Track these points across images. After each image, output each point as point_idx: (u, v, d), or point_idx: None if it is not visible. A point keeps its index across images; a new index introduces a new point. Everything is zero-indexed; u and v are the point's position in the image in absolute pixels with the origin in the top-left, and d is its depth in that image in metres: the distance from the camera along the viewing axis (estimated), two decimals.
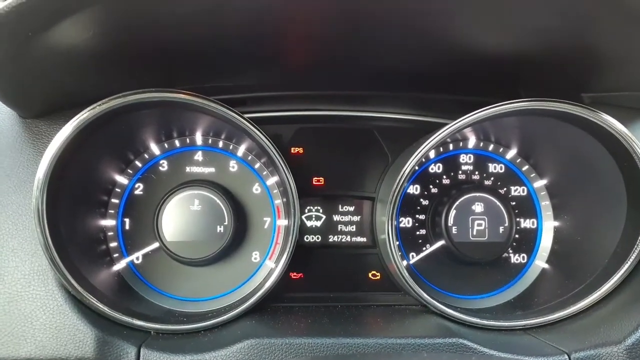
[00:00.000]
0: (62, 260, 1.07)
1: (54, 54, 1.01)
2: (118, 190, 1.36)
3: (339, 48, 1.12)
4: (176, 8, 0.88)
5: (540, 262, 1.46)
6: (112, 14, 0.89)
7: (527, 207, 1.48)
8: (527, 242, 1.47)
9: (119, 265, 1.34)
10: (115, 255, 1.35)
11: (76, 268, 1.12)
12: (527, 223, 1.48)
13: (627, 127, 1.18)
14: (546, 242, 1.46)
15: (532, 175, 1.48)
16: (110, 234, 1.35)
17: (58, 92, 1.18)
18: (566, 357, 1.06)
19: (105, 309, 1.11)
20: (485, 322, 1.23)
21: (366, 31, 1.02)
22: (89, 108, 1.08)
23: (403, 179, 1.25)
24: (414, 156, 1.23)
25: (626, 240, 1.21)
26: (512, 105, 1.18)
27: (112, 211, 1.36)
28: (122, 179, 1.36)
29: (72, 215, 1.19)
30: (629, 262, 1.18)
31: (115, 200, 1.36)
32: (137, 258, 1.36)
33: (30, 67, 1.03)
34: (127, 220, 1.36)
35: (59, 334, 1.05)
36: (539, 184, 1.47)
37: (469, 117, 1.20)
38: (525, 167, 1.48)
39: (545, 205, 1.47)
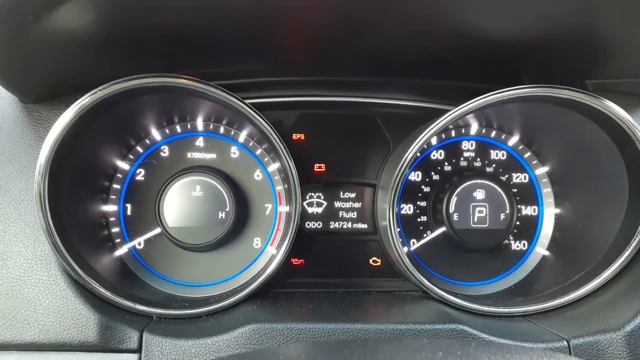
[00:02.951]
0: (64, 245, 1.07)
1: (54, 38, 1.00)
2: (119, 175, 1.36)
3: (342, 34, 1.11)
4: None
5: (541, 249, 1.46)
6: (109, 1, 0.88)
7: (529, 194, 1.47)
8: (528, 229, 1.47)
9: (121, 251, 1.35)
10: (117, 240, 1.35)
11: (78, 253, 1.12)
12: (528, 210, 1.47)
13: (630, 114, 1.17)
14: (547, 229, 1.46)
15: (534, 163, 1.47)
16: (112, 219, 1.35)
17: (58, 76, 1.18)
18: (565, 343, 1.07)
19: (108, 293, 1.11)
20: (485, 308, 1.24)
21: (370, 16, 1.01)
22: (89, 93, 1.07)
23: (405, 166, 1.25)
24: (415, 143, 1.23)
25: (627, 227, 1.21)
26: (515, 91, 1.17)
27: (114, 197, 1.36)
28: (123, 165, 1.36)
29: (73, 200, 1.19)
30: (630, 250, 1.18)
31: (116, 186, 1.36)
32: (139, 243, 1.36)
33: (31, 51, 1.02)
34: (128, 205, 1.37)
35: (62, 318, 1.06)
36: (541, 171, 1.47)
37: (471, 103, 1.19)
38: (527, 154, 1.47)
39: (546, 192, 1.47)
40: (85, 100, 1.07)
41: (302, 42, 1.18)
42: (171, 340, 1.07)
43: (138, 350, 1.07)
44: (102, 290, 1.11)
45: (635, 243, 1.18)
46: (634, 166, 1.19)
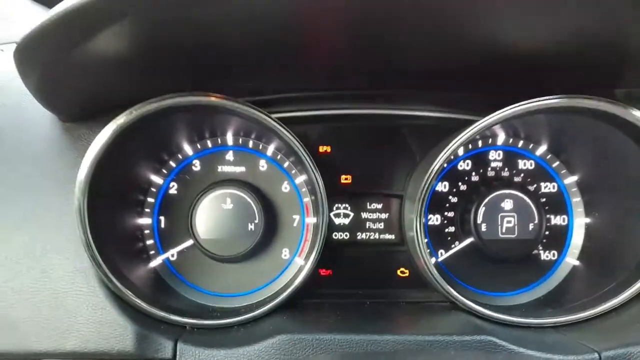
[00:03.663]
0: (102, 258, 1.12)
1: (92, 61, 1.05)
2: (153, 189, 1.41)
3: (369, 51, 1.14)
4: (206, 17, 0.91)
5: (572, 260, 1.45)
6: (145, 24, 0.93)
7: (558, 203, 1.46)
8: (558, 239, 1.46)
9: (155, 262, 1.40)
10: (152, 252, 1.41)
11: (115, 265, 1.18)
12: (557, 220, 1.46)
13: None
14: (577, 239, 1.45)
15: (562, 172, 1.46)
16: (146, 232, 1.41)
17: (95, 96, 1.24)
18: (597, 355, 1.06)
19: (143, 304, 1.16)
20: (514, 319, 1.24)
21: (397, 35, 1.03)
22: (125, 112, 1.13)
23: (432, 176, 1.26)
24: (443, 153, 1.24)
25: None
26: (544, 102, 1.18)
27: (148, 210, 1.41)
28: (157, 179, 1.41)
29: (110, 214, 1.25)
30: None
31: (151, 200, 1.41)
32: (172, 255, 1.41)
33: (70, 74, 1.09)
34: (162, 218, 1.42)
35: (101, 328, 1.11)
36: (570, 180, 1.46)
37: (500, 113, 1.20)
38: (556, 164, 1.46)
39: (576, 201, 1.46)
40: (121, 120, 1.13)
41: (329, 60, 1.21)
42: (204, 350, 1.11)
43: (172, 359, 1.11)
44: (138, 301, 1.16)
45: None
46: None
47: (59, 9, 0.88)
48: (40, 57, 0.99)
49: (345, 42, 1.14)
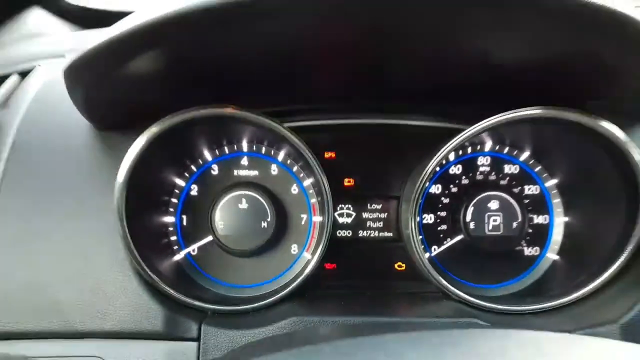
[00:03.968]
0: (137, 251, 1.28)
1: (129, 79, 1.22)
2: (177, 191, 1.57)
3: (371, 73, 1.31)
4: (230, 49, 1.08)
5: (552, 255, 1.60)
6: (177, 52, 1.09)
7: (540, 204, 1.61)
8: (540, 236, 1.61)
9: (179, 256, 1.55)
10: (175, 247, 1.56)
11: (146, 257, 1.32)
12: (539, 219, 1.61)
13: (627, 133, 1.31)
14: (557, 236, 1.60)
15: (544, 175, 1.61)
16: (170, 229, 1.56)
17: (128, 108, 1.39)
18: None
19: (171, 291, 1.32)
20: (498, 306, 1.39)
21: (395, 60, 1.20)
22: (157, 123, 1.29)
23: (425, 179, 1.41)
24: (434, 158, 1.40)
25: (624, 233, 1.34)
26: (524, 113, 1.32)
27: (172, 209, 1.57)
28: (180, 181, 1.57)
29: (141, 213, 1.40)
30: (625, 253, 1.32)
31: (174, 200, 1.57)
32: (194, 250, 1.57)
33: (111, 89, 1.25)
34: (184, 217, 1.57)
35: (135, 312, 1.27)
36: (551, 183, 1.61)
37: (484, 123, 1.35)
38: (538, 168, 1.62)
39: (556, 202, 1.61)
40: (154, 129, 1.29)
41: (335, 78, 1.37)
42: (224, 331, 1.27)
43: (197, 339, 1.27)
44: (167, 288, 1.31)
45: (630, 247, 1.31)
46: (629, 180, 1.33)
47: (106, 36, 1.04)
48: (87, 76, 1.16)
49: (351, 67, 1.30)
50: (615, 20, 0.97)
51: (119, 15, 1.08)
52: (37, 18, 2.14)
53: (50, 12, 2.19)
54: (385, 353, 0.60)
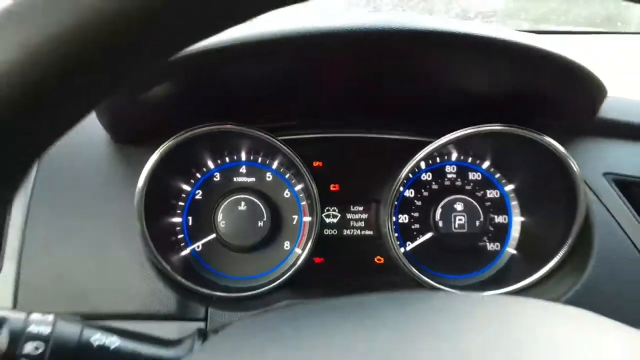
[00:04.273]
0: (153, 245, 1.50)
1: (148, 100, 1.45)
2: (184, 195, 1.77)
3: (357, 96, 1.56)
4: (242, 77, 1.33)
5: (511, 250, 1.81)
6: (199, 80, 1.33)
7: (500, 205, 1.82)
8: (501, 233, 1.81)
9: (185, 252, 1.74)
10: (182, 244, 1.75)
11: (160, 251, 1.54)
12: (500, 219, 1.83)
13: (566, 148, 1.56)
14: (515, 233, 1.81)
15: (503, 181, 1.83)
16: (178, 228, 1.75)
17: (143, 124, 1.62)
18: None
19: (183, 280, 1.52)
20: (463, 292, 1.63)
21: (379, 85, 1.46)
22: (171, 138, 1.50)
23: (399, 185, 1.65)
24: (407, 167, 1.64)
25: (565, 230, 1.58)
26: (480, 129, 1.56)
27: (179, 211, 1.76)
28: (186, 187, 1.77)
29: (155, 215, 1.59)
30: (566, 247, 1.56)
31: (181, 203, 1.77)
32: (198, 247, 1.76)
33: (130, 109, 1.48)
34: (190, 218, 1.76)
35: (151, 296, 1.46)
36: (509, 188, 1.83)
37: (449, 137, 1.59)
38: (498, 175, 1.83)
39: (514, 204, 1.82)
40: (169, 143, 1.52)
41: (324, 100, 1.61)
42: (227, 313, 1.49)
43: (204, 319, 1.49)
44: (179, 277, 1.52)
45: (570, 241, 1.56)
46: (569, 187, 1.56)
47: None
48: (116, 99, 1.38)
49: (340, 92, 1.55)
50: (542, 58, 1.23)
51: None
52: None
53: None
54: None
